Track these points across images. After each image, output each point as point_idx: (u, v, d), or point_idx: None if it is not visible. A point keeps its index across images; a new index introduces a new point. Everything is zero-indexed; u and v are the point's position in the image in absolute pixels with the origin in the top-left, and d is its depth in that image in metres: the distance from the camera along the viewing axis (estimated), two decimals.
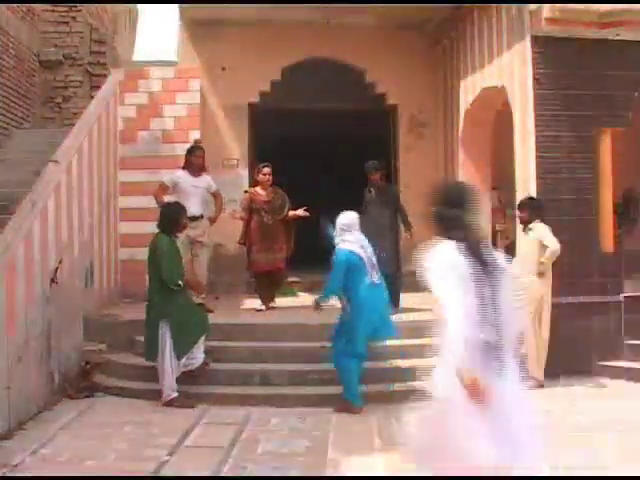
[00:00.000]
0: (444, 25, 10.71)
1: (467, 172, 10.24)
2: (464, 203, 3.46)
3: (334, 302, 6.76)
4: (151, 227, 7.18)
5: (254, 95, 11.08)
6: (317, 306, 6.65)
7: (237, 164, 11.08)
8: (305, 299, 9.49)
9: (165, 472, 5.02)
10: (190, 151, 8.56)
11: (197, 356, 6.88)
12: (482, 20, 9.33)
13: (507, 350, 3.27)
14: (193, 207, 7.98)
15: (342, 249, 6.45)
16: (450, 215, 3.43)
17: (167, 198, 8.13)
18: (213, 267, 10.52)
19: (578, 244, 7.75)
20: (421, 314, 8.31)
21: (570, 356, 7.55)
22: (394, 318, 8.05)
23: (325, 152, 14.41)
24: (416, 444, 3.46)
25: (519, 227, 7.70)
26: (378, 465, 5.16)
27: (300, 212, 8.76)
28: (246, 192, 9.31)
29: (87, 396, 7.04)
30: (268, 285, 8.95)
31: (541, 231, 7.27)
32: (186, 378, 6.84)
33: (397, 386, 6.99)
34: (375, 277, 6.54)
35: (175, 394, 6.70)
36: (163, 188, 8.33)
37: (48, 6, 11.84)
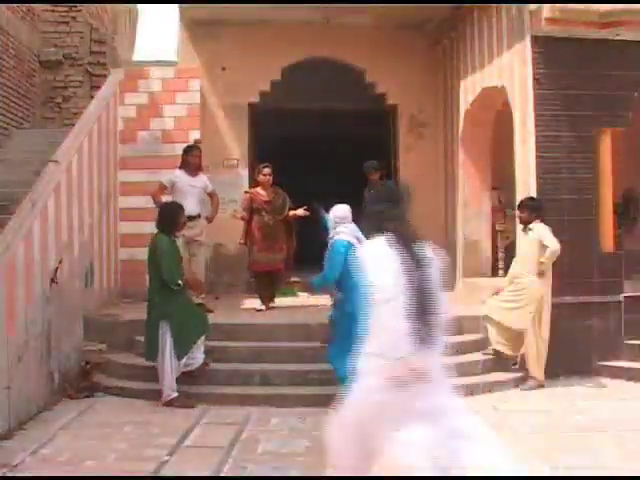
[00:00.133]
0: (444, 25, 10.71)
1: (467, 172, 10.25)
2: (398, 201, 3.75)
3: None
4: (151, 227, 7.19)
5: (254, 95, 11.08)
6: (310, 287, 6.65)
7: (237, 164, 11.08)
8: (305, 299, 9.50)
9: (165, 472, 5.02)
10: (187, 151, 8.56)
11: (197, 356, 6.89)
12: (482, 20, 9.34)
13: (435, 337, 3.39)
14: (190, 206, 7.98)
15: (340, 240, 6.50)
16: (383, 211, 3.67)
17: (164, 198, 8.15)
18: (213, 267, 10.54)
19: (578, 244, 7.75)
20: None
21: (570, 356, 7.55)
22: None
23: (325, 152, 14.41)
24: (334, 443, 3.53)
25: (519, 227, 7.70)
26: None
27: (300, 212, 8.76)
28: (246, 192, 9.32)
29: (87, 396, 7.04)
30: (268, 285, 8.96)
31: (541, 231, 7.27)
32: (186, 378, 6.84)
33: None
34: None
35: (175, 394, 6.70)
36: (162, 188, 8.35)
37: (48, 6, 11.85)
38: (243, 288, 10.52)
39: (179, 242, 7.37)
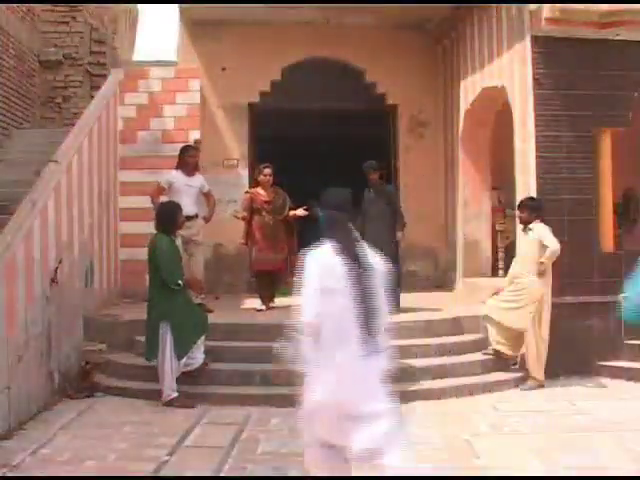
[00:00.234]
0: (444, 25, 10.72)
1: (467, 172, 10.25)
2: (343, 207, 3.84)
3: None
4: (151, 227, 7.18)
5: (254, 95, 11.08)
6: None
7: (237, 164, 11.08)
8: None
9: (165, 472, 5.02)
10: (184, 151, 8.56)
11: (197, 356, 6.89)
12: (482, 20, 9.34)
13: (378, 340, 3.57)
14: (187, 206, 7.97)
15: None
16: (329, 218, 3.81)
17: (161, 199, 8.14)
18: (213, 267, 10.54)
19: (578, 244, 7.75)
20: (421, 314, 8.32)
21: (570, 356, 7.55)
22: (394, 318, 8.09)
23: (325, 152, 14.40)
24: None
25: (519, 227, 7.70)
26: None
27: (300, 212, 8.76)
28: (247, 192, 9.32)
29: (87, 396, 7.03)
30: (269, 285, 8.95)
31: (541, 231, 7.27)
32: (186, 378, 6.84)
33: (397, 386, 7.00)
34: None
35: (175, 394, 6.70)
36: (159, 189, 8.34)
37: (48, 6, 11.85)
38: (243, 288, 10.52)
39: (178, 242, 7.37)
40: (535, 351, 7.28)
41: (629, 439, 5.60)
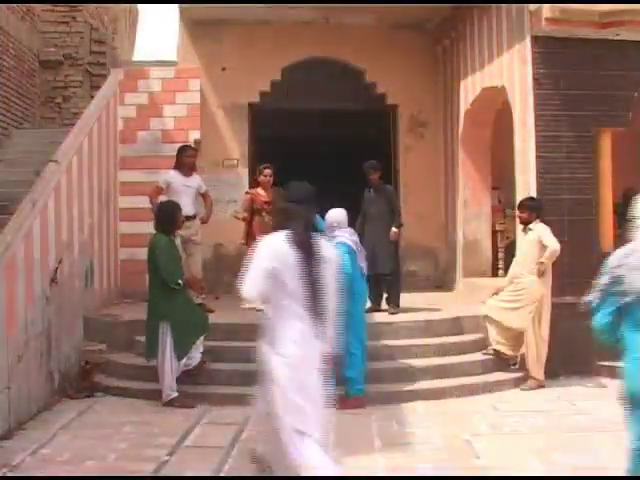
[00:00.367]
0: (444, 25, 10.72)
1: (467, 172, 10.25)
2: (302, 201, 4.09)
3: None
4: (150, 227, 7.17)
5: (254, 95, 11.08)
6: None
7: (237, 164, 11.07)
8: None
9: (165, 472, 5.03)
10: (181, 151, 8.55)
11: (195, 355, 6.89)
12: (482, 20, 9.34)
13: (325, 324, 3.83)
14: (186, 206, 7.95)
15: (343, 243, 6.72)
16: (286, 209, 4.11)
17: (160, 199, 8.14)
18: (213, 267, 10.53)
19: (578, 244, 7.75)
20: (421, 314, 8.32)
21: (570, 356, 7.55)
22: (394, 318, 8.09)
23: (325, 152, 14.40)
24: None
25: (519, 227, 7.71)
26: (378, 465, 5.16)
27: None
28: (247, 193, 9.31)
29: (87, 396, 7.04)
30: None
31: (541, 231, 7.27)
32: (186, 378, 6.84)
33: (397, 386, 7.00)
34: (364, 269, 7.04)
35: (175, 394, 6.70)
36: (158, 190, 8.31)
37: (48, 6, 11.85)
38: None
39: (177, 242, 7.37)
40: (535, 351, 7.28)
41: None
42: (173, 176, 8.37)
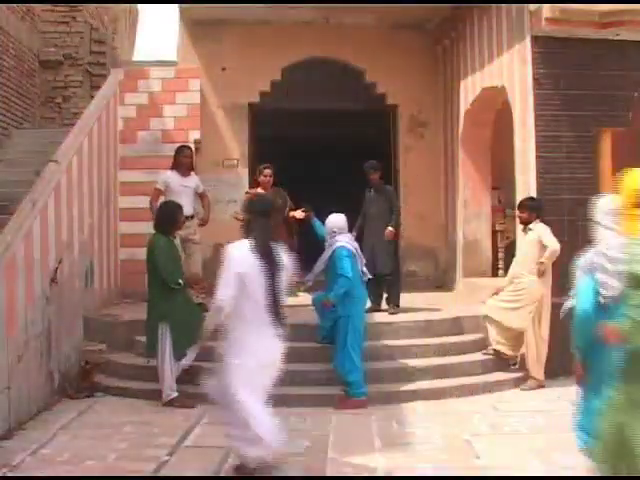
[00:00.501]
0: (444, 25, 10.71)
1: (467, 172, 10.25)
2: (264, 213, 4.64)
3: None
4: (150, 227, 7.17)
5: (254, 95, 11.07)
6: (329, 302, 6.81)
7: (237, 164, 11.06)
8: (305, 299, 9.49)
9: (165, 472, 5.03)
10: (178, 151, 8.53)
11: (190, 355, 6.85)
12: (482, 20, 9.34)
13: (280, 328, 4.52)
14: (185, 206, 7.90)
15: (343, 247, 6.78)
16: (250, 220, 4.62)
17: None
18: (213, 267, 10.51)
19: (578, 244, 7.73)
20: (421, 314, 8.32)
21: (570, 356, 7.49)
22: (394, 318, 8.09)
23: (325, 152, 14.40)
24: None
25: (519, 227, 7.70)
26: (378, 465, 5.16)
27: (298, 214, 8.67)
28: (247, 193, 9.30)
29: (87, 396, 7.04)
30: None
31: (541, 231, 7.27)
32: (186, 377, 6.83)
33: (397, 386, 7.00)
34: (364, 273, 7.11)
35: (175, 394, 6.70)
36: (158, 192, 8.27)
37: (48, 6, 11.85)
38: None
39: (177, 241, 7.36)
40: (535, 351, 7.28)
41: None
42: (170, 176, 8.36)
